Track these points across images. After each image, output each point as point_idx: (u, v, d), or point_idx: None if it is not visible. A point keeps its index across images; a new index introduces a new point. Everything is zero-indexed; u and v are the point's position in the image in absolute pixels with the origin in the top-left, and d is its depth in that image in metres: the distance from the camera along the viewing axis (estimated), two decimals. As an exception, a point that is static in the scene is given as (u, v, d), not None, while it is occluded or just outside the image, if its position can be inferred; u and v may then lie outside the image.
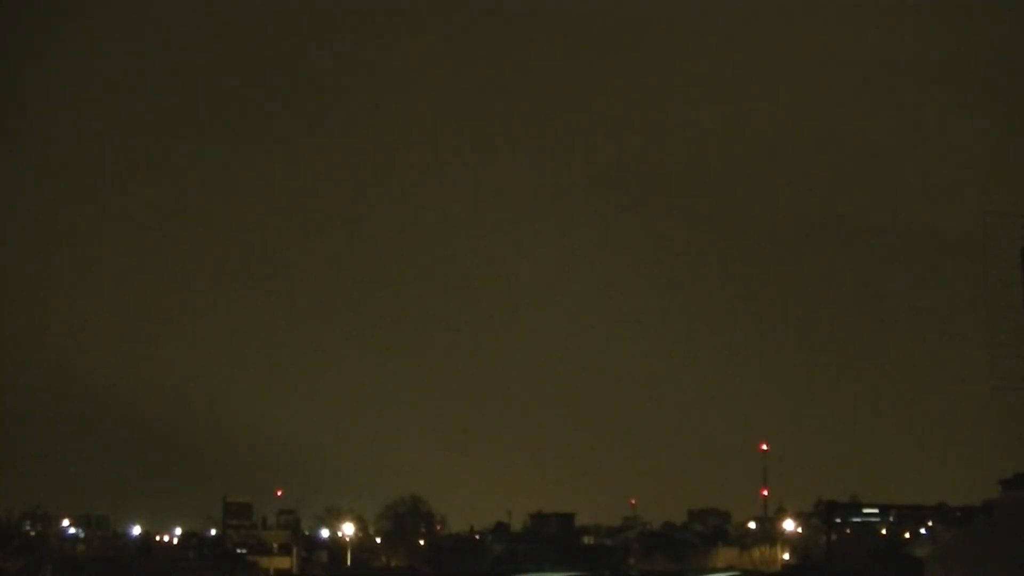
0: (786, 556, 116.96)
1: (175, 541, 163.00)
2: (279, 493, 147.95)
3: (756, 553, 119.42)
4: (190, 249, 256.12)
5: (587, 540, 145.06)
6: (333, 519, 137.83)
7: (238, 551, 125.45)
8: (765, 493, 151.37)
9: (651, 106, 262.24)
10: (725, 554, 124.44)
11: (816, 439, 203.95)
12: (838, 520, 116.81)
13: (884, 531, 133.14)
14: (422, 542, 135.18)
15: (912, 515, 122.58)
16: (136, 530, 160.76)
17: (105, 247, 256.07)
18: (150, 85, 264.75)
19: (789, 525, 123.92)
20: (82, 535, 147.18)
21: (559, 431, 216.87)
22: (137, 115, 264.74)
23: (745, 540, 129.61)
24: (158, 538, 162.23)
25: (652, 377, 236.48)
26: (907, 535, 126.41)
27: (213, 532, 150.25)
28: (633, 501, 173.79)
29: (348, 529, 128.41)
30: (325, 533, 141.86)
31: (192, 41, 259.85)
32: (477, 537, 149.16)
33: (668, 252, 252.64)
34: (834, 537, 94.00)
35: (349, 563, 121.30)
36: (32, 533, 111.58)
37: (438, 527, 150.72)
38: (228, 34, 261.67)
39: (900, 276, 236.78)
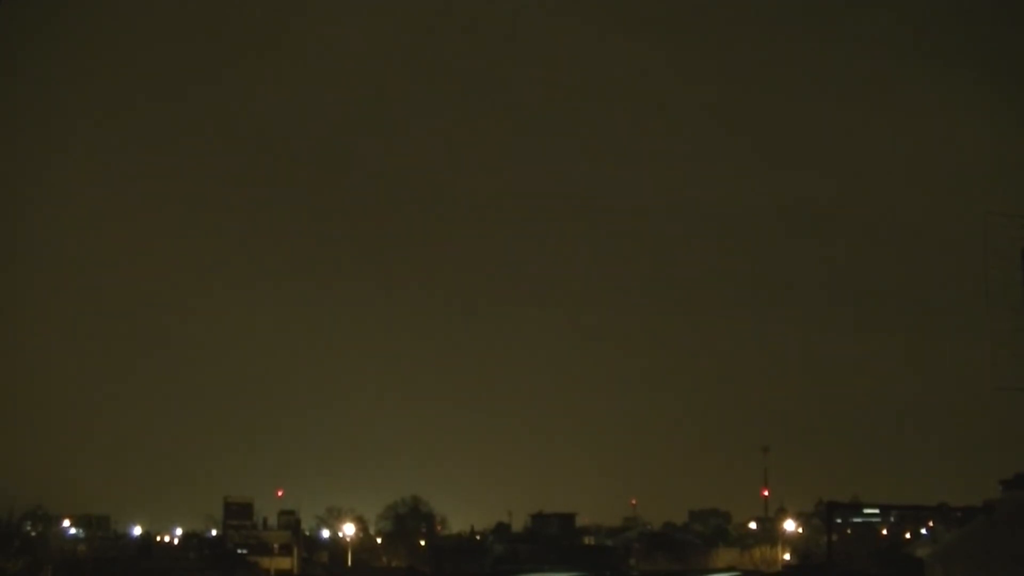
0: (787, 556, 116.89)
1: (176, 541, 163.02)
2: (280, 493, 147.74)
3: (757, 553, 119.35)
4: (189, 243, 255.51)
5: (588, 540, 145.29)
6: (334, 519, 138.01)
7: (239, 551, 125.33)
8: (766, 493, 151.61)
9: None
10: (726, 554, 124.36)
11: (816, 439, 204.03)
12: (839, 520, 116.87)
13: (885, 531, 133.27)
14: (423, 542, 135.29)
15: (913, 515, 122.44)
16: (137, 530, 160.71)
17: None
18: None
19: (790, 525, 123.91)
20: (83, 535, 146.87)
21: (559, 431, 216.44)
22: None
23: (746, 540, 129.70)
24: (159, 538, 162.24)
25: (652, 377, 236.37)
26: (908, 535, 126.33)
27: (214, 532, 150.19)
28: (633, 501, 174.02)
29: (349, 529, 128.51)
30: (326, 533, 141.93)
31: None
32: (478, 537, 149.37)
33: (668, 251, 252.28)
34: (835, 537, 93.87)
35: (350, 563, 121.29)
36: (33, 533, 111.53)
37: (439, 527, 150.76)
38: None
39: (900, 276, 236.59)
